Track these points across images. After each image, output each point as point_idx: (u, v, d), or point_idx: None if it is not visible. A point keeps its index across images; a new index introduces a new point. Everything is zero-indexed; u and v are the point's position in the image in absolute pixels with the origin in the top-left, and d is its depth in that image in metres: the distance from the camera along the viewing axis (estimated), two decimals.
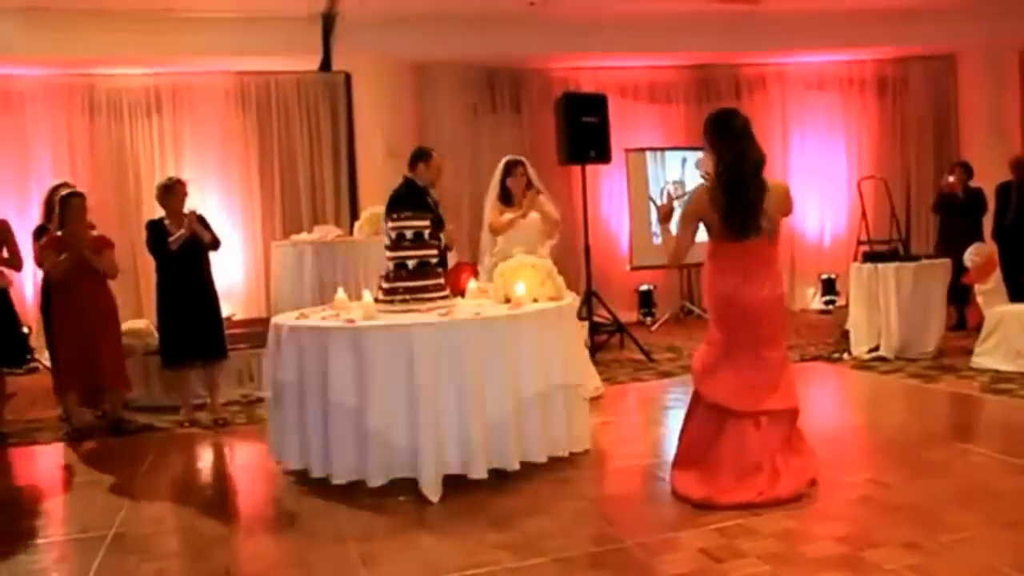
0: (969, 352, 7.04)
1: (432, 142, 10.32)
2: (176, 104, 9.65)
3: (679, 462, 4.18)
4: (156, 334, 6.56)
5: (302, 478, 4.52)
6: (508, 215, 6.08)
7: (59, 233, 5.86)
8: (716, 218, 3.95)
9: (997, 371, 6.43)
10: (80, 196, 6.03)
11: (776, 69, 11.01)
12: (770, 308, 4.03)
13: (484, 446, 4.25)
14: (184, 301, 5.99)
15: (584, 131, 8.04)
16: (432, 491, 4.14)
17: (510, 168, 6.17)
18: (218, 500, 4.56)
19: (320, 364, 4.31)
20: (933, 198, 9.29)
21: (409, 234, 4.87)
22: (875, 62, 11.03)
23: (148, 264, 9.16)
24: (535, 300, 4.85)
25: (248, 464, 5.27)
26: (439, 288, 4.90)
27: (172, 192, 6.05)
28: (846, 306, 8.71)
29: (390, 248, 4.89)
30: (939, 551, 3.28)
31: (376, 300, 4.70)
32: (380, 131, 9.85)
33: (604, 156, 8.28)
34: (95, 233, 6.11)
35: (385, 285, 4.84)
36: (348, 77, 10.00)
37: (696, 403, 4.20)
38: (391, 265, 4.85)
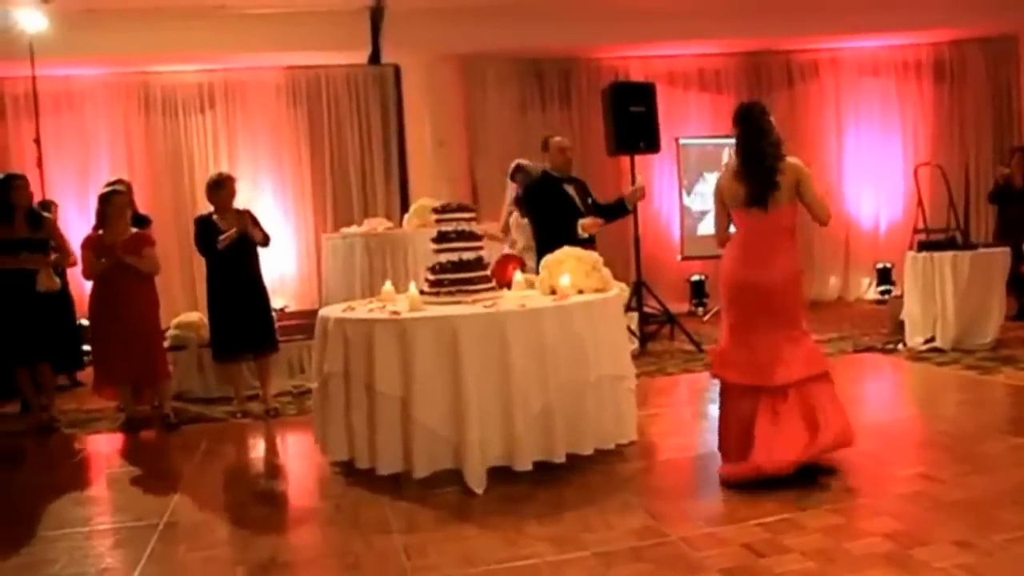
0: None
1: (481, 134, 10.44)
2: (228, 100, 9.85)
3: (725, 452, 4.26)
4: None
5: (348, 469, 4.58)
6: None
7: (100, 232, 5.94)
8: (736, 188, 4.19)
9: None
10: (120, 193, 6.09)
11: (829, 55, 10.79)
12: (783, 290, 4.17)
13: (528, 438, 4.26)
14: (233, 295, 6.10)
15: (632, 121, 7.97)
16: (477, 483, 4.17)
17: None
18: (266, 490, 4.66)
19: (366, 355, 4.35)
20: (991, 187, 9.01)
21: (454, 229, 4.90)
22: (931, 45, 10.73)
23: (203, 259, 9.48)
24: (581, 292, 4.83)
25: (296, 454, 5.38)
26: (485, 280, 4.92)
27: (221, 188, 6.15)
28: (902, 296, 8.53)
29: (436, 242, 4.92)
30: (992, 550, 3.20)
31: (422, 292, 4.74)
32: (429, 123, 9.93)
33: (653, 146, 8.19)
34: (134, 231, 6.11)
35: (431, 277, 4.88)
36: (397, 70, 10.08)
37: (725, 393, 4.32)
38: (438, 259, 4.89)
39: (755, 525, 3.57)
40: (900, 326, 7.63)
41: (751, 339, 4.16)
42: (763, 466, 3.94)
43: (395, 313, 4.45)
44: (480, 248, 5.02)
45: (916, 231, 9.57)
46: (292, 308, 9.19)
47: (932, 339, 7.15)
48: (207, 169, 9.62)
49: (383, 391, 4.29)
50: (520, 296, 4.89)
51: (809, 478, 4.00)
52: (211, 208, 6.20)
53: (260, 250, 6.25)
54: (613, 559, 3.33)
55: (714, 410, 5.75)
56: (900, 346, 7.31)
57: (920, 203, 9.47)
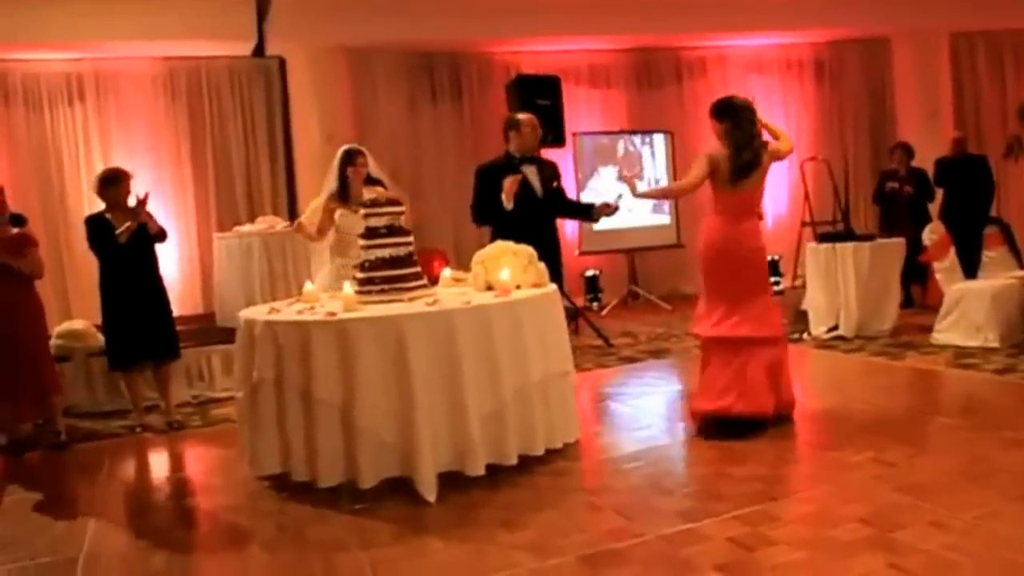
0: (924, 329, 7.16)
1: (370, 129, 10.09)
2: (100, 92, 9.09)
3: (702, 391, 4.81)
4: (99, 335, 6.15)
5: (281, 483, 4.23)
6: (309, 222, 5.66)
7: None
8: (727, 156, 4.69)
9: (958, 347, 6.52)
10: None
11: (716, 52, 11.04)
12: (757, 258, 4.87)
13: (481, 441, 4.04)
14: (132, 298, 5.58)
15: (538, 114, 7.80)
16: (429, 490, 3.91)
17: (352, 157, 5.62)
18: (194, 511, 4.23)
19: (301, 360, 4.03)
20: (874, 185, 9.37)
21: (384, 223, 4.62)
22: (812, 45, 11.17)
23: (77, 262, 8.74)
24: (518, 287, 4.65)
25: (215, 469, 4.89)
26: (417, 277, 4.67)
27: (115, 184, 5.62)
28: (794, 287, 8.81)
29: (365, 238, 4.63)
30: (967, 529, 3.23)
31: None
32: (316, 118, 9.51)
33: (559, 139, 8.13)
34: (16, 231, 5.54)
35: (360, 275, 4.58)
36: (283, 63, 9.59)
37: (708, 349, 4.86)
38: (367, 255, 4.60)
39: (730, 518, 3.49)
40: (801, 316, 7.84)
41: (727, 300, 4.72)
42: (730, 410, 4.59)
43: (331, 314, 4.14)
44: (411, 243, 4.76)
45: (804, 224, 9.94)
46: (176, 314, 8.55)
47: (836, 327, 7.36)
48: (77, 167, 8.90)
49: (322, 398, 3.98)
50: (457, 293, 4.67)
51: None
52: (100, 207, 5.66)
53: (159, 251, 5.76)
54: (598, 563, 3.17)
55: (643, 406, 5.78)
56: (805, 335, 7.49)
57: (807, 197, 9.85)
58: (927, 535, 3.19)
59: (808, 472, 4.02)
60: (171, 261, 9.21)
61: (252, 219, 8.81)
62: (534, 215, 5.61)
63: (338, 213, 5.53)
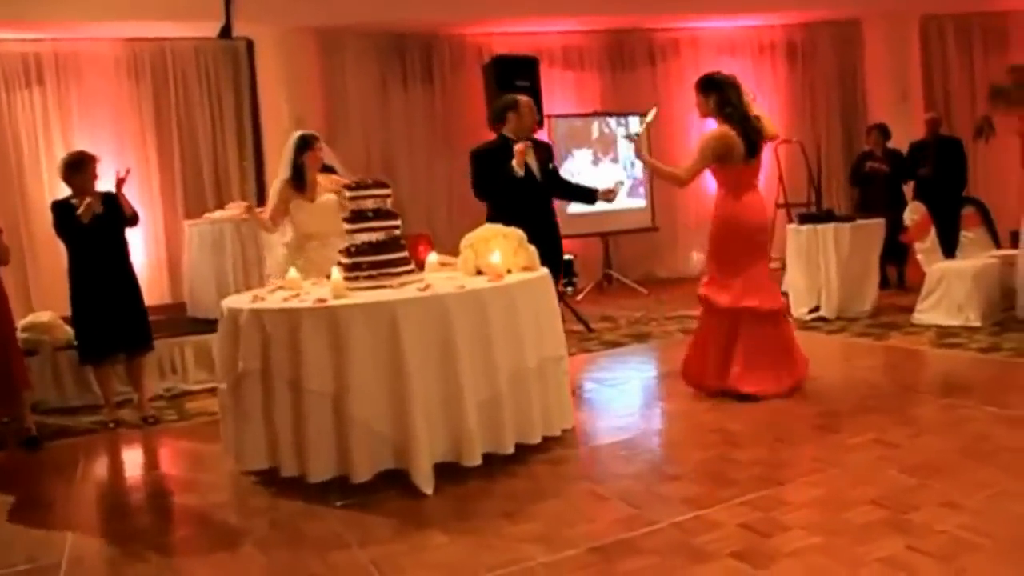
0: (903, 309, 7.19)
1: (340, 112, 9.88)
2: (60, 74, 8.78)
3: (694, 362, 5.11)
4: (67, 327, 5.92)
5: (269, 478, 4.07)
6: (263, 210, 5.44)
7: None
8: (739, 142, 4.82)
9: (939, 326, 6.54)
10: None
11: (689, 34, 10.97)
12: (766, 228, 5.16)
13: (477, 430, 3.92)
14: (102, 287, 5.36)
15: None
16: (426, 483, 3.78)
17: (309, 143, 5.29)
18: (181, 510, 4.03)
19: (290, 349, 3.86)
20: (851, 165, 9.37)
21: (371, 206, 4.47)
22: (784, 27, 11.14)
23: (38, 252, 8.45)
24: (509, 271, 4.53)
25: (198, 466, 4.69)
26: (406, 262, 4.53)
27: (81, 168, 5.37)
28: (778, 268, 8.74)
29: (350, 222, 4.47)
30: (980, 508, 3.19)
31: None
32: (285, 101, 9.28)
33: (539, 121, 7.94)
34: None
35: (346, 261, 4.42)
36: (251, 44, 9.34)
37: (705, 318, 5.13)
38: (353, 240, 4.44)
39: (739, 504, 3.41)
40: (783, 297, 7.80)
41: (741, 272, 4.92)
42: (737, 388, 4.89)
43: (321, 301, 3.98)
44: (399, 227, 4.61)
45: (778, 206, 9.91)
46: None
47: (817, 308, 7.35)
48: (37, 152, 8.59)
49: (312, 388, 3.82)
50: (446, 277, 4.53)
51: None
52: (64, 194, 5.42)
53: (132, 238, 5.55)
54: (611, 554, 3.07)
55: (632, 391, 5.71)
56: (786, 316, 7.44)
57: (781, 179, 9.83)
58: (942, 516, 3.14)
59: (810, 454, 3.95)
60: (137, 249, 8.82)
61: (221, 205, 8.57)
62: (535, 197, 5.48)
63: (293, 204, 5.25)
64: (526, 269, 4.61)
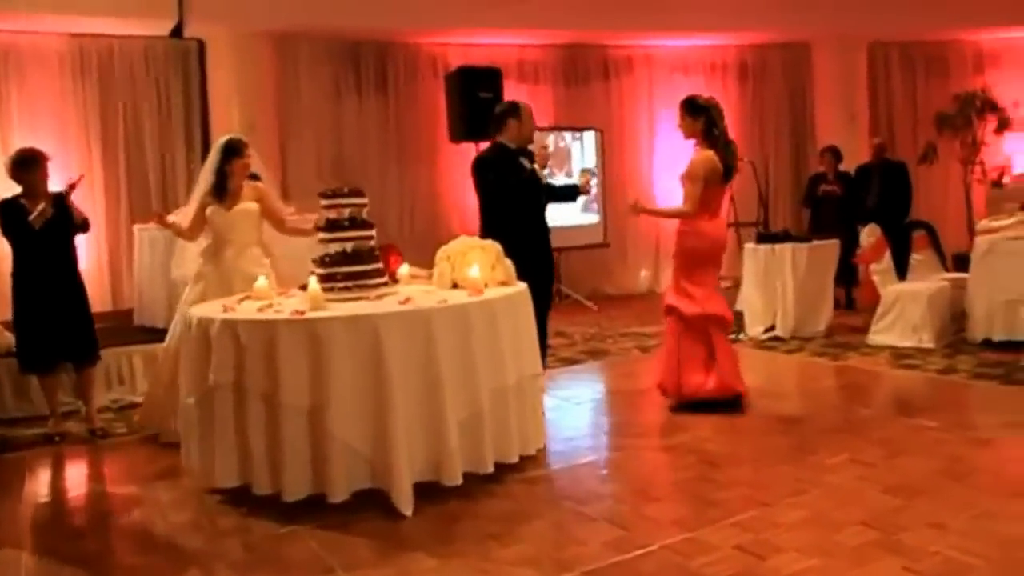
0: (855, 330, 7.31)
1: (293, 118, 9.68)
2: (0, 69, 8.35)
3: (673, 374, 5.14)
4: (7, 333, 5.61)
5: (238, 497, 3.89)
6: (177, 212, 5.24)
7: None
8: (719, 165, 4.99)
9: (894, 347, 6.65)
10: None
11: (643, 51, 11.04)
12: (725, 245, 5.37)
13: (458, 449, 3.82)
14: (49, 294, 5.09)
15: (481, 107, 7.64)
16: (406, 503, 3.67)
17: (238, 149, 5.00)
18: (142, 532, 3.79)
19: (266, 362, 3.71)
20: (804, 187, 9.52)
21: (347, 216, 4.35)
22: (737, 48, 11.30)
23: None
24: (486, 285, 4.44)
25: (157, 483, 4.38)
26: (380, 273, 4.42)
27: (32, 166, 5.10)
28: (732, 287, 8.82)
29: (325, 230, 4.34)
30: (967, 529, 3.23)
31: None
32: (237, 105, 9.04)
33: None
34: None
35: (320, 271, 4.28)
36: (202, 45, 9.06)
37: (677, 328, 5.17)
38: (326, 249, 4.31)
39: (730, 525, 3.39)
40: (735, 316, 7.85)
41: (710, 285, 5.19)
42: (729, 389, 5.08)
43: (299, 312, 3.84)
44: (373, 237, 4.50)
45: (729, 225, 10.02)
46: None
47: (772, 328, 7.43)
48: None
49: (289, 403, 3.69)
50: (424, 291, 4.42)
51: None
52: (8, 193, 5.15)
53: (78, 244, 5.30)
54: None
55: (598, 408, 5.68)
56: (741, 335, 7.52)
57: (731, 198, 9.93)
58: (932, 537, 3.17)
59: (791, 475, 3.95)
60: (79, 253, 8.59)
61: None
62: (542, 200, 5.41)
63: (210, 209, 4.99)
64: (503, 284, 4.53)
